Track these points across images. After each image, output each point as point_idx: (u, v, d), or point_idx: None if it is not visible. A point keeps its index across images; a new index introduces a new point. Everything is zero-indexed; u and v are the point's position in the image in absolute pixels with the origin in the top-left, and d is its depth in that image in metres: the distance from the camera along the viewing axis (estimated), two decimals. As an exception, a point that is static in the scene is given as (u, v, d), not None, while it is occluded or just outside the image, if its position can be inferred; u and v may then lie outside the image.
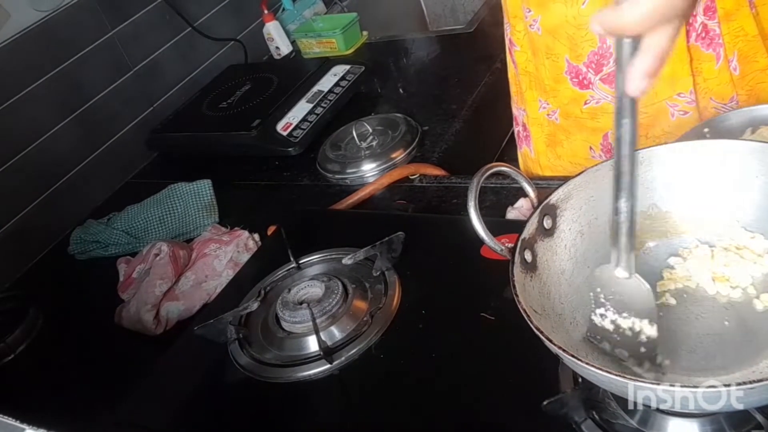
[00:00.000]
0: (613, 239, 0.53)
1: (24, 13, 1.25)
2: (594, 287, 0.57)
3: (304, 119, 1.32)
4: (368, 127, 1.21)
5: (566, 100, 0.93)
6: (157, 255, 1.02)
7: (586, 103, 0.91)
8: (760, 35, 0.83)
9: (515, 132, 1.10)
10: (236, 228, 1.10)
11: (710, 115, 0.89)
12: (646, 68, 0.46)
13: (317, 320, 0.77)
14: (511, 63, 1.02)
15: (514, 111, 1.08)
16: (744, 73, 0.85)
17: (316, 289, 0.83)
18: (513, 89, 1.06)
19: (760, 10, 0.83)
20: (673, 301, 0.61)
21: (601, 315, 0.56)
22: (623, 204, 0.51)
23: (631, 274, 0.54)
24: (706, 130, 0.79)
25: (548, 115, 0.97)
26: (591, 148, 0.95)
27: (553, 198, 0.63)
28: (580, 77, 0.90)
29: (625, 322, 0.55)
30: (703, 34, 0.83)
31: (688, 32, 0.83)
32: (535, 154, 1.04)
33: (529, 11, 0.90)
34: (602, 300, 0.56)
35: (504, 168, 0.65)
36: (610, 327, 0.56)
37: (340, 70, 1.45)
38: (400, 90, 1.44)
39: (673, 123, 0.88)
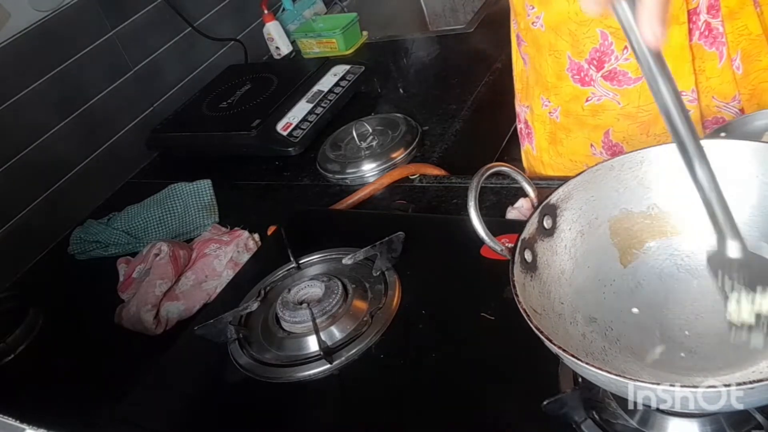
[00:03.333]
0: (711, 218, 0.49)
1: (24, 13, 1.25)
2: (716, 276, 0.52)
3: (304, 119, 1.32)
4: (368, 127, 1.21)
5: (568, 98, 0.93)
6: (157, 255, 1.02)
7: (587, 101, 0.91)
8: (765, 34, 0.83)
9: (518, 129, 1.10)
10: (236, 228, 1.10)
11: (712, 114, 0.88)
12: (654, 12, 0.43)
13: (317, 320, 0.77)
14: (519, 59, 1.02)
15: (517, 108, 1.08)
16: (747, 72, 0.85)
17: (316, 289, 0.83)
18: (518, 86, 1.06)
19: (764, 9, 0.82)
20: None
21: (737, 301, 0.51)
22: (700, 173, 0.47)
23: (743, 245, 0.50)
24: (722, 134, 0.78)
25: (550, 113, 0.97)
26: (592, 145, 0.95)
27: (553, 198, 0.63)
28: (582, 74, 0.90)
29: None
30: (707, 33, 0.83)
31: (691, 30, 0.83)
32: (538, 151, 1.04)
33: (533, 8, 0.91)
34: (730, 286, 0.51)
35: (504, 168, 0.65)
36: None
37: (340, 70, 1.45)
38: (400, 90, 1.44)
39: None
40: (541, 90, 0.97)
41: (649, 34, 0.44)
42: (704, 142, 0.63)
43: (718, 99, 0.87)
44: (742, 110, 0.87)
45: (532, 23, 0.92)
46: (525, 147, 1.08)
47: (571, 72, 0.91)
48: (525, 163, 1.10)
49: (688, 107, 0.86)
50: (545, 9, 0.89)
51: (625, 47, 0.85)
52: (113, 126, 1.43)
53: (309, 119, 1.32)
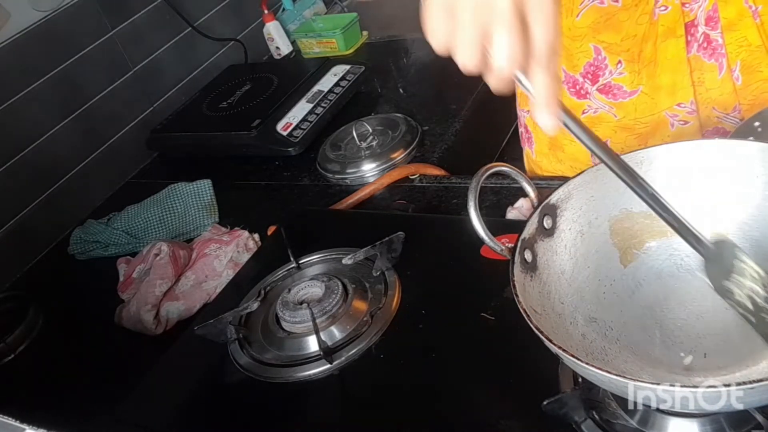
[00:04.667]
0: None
1: (24, 13, 1.25)
2: None
3: (304, 119, 1.32)
4: (368, 127, 1.21)
5: None
6: (157, 255, 1.02)
7: (584, 113, 0.91)
8: (764, 45, 0.83)
9: (519, 133, 1.10)
10: (236, 228, 1.10)
11: (712, 125, 0.88)
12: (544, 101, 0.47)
13: (317, 320, 0.77)
14: None
15: (518, 111, 1.08)
16: (747, 83, 0.85)
17: (316, 289, 0.83)
18: (517, 90, 1.06)
19: (764, 20, 0.82)
20: None
21: None
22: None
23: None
24: (756, 123, 0.77)
25: None
26: (592, 155, 0.95)
27: (554, 198, 0.63)
28: (577, 87, 0.90)
29: None
30: (705, 44, 0.83)
31: (689, 43, 0.83)
32: (537, 155, 1.04)
33: None
34: None
35: (504, 168, 0.65)
36: None
37: (340, 70, 1.45)
38: (400, 90, 1.44)
39: (673, 133, 0.88)
40: None
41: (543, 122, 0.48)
42: (706, 142, 0.63)
43: (719, 110, 0.87)
44: (742, 120, 0.87)
45: None
46: (525, 151, 1.08)
47: (567, 84, 0.91)
48: (526, 166, 1.10)
49: (687, 119, 0.86)
50: None
51: (619, 61, 0.85)
52: (113, 126, 1.43)
53: (309, 119, 1.32)
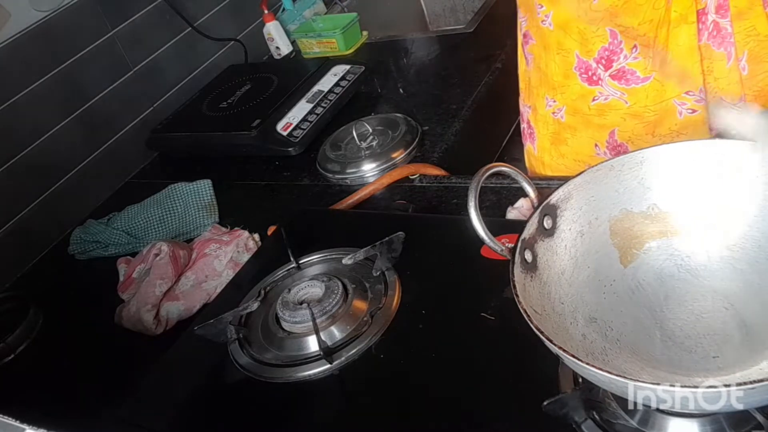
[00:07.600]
0: None
1: (24, 13, 1.25)
2: None
3: (304, 119, 1.32)
4: (368, 127, 1.21)
5: (574, 96, 0.93)
6: (157, 255, 1.02)
7: (594, 100, 0.91)
8: None
9: (521, 129, 1.10)
10: (236, 228, 1.10)
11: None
12: None
13: (317, 320, 0.77)
14: (523, 58, 1.02)
15: (521, 107, 1.08)
16: (753, 73, 0.85)
17: (316, 289, 0.83)
18: (522, 85, 1.06)
19: None
20: None
21: None
22: None
23: None
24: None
25: (554, 113, 0.97)
26: (596, 145, 0.95)
27: (554, 198, 0.63)
28: (590, 73, 0.90)
29: None
30: (715, 33, 0.83)
31: (700, 31, 0.83)
32: (539, 151, 1.04)
33: (541, 7, 0.90)
34: None
35: (504, 168, 0.65)
36: None
37: (340, 70, 1.45)
38: (400, 90, 1.44)
39: (681, 121, 0.88)
40: (547, 90, 0.97)
41: None
42: (706, 142, 0.63)
43: (726, 100, 0.87)
44: None
45: (542, 21, 0.92)
46: (527, 147, 1.08)
47: (578, 71, 0.91)
48: (527, 163, 1.10)
49: (695, 107, 0.86)
50: (554, 8, 0.89)
51: (634, 46, 0.85)
52: (113, 126, 1.43)
53: (309, 119, 1.32)
